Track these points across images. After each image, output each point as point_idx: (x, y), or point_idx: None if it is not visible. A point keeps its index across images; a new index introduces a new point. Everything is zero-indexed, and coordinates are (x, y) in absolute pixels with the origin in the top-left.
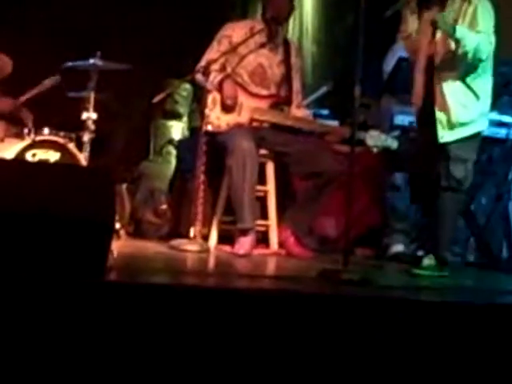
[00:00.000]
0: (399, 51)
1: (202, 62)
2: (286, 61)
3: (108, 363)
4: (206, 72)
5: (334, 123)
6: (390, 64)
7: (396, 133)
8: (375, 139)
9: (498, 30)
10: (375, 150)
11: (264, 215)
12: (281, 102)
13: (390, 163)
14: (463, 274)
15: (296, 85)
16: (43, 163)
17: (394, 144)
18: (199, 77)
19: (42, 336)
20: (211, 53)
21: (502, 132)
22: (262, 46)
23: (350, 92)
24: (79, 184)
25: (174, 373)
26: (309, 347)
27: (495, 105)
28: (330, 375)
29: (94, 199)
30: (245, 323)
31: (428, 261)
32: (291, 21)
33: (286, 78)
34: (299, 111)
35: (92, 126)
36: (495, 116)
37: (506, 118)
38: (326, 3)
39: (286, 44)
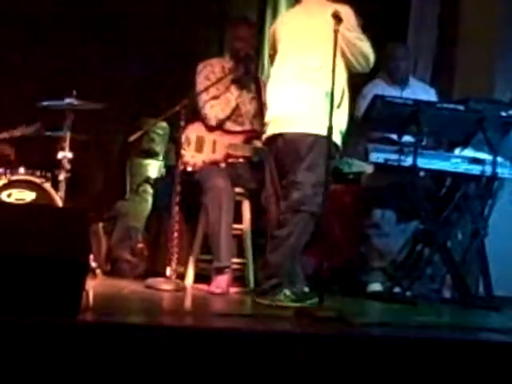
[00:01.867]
0: (369, 95)
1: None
2: (258, 97)
3: None
4: None
5: None
6: (361, 109)
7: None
8: (350, 166)
9: None
10: (351, 176)
11: (240, 254)
12: (254, 137)
13: (368, 200)
14: (439, 311)
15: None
16: (17, 204)
17: (369, 169)
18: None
19: (13, 378)
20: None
21: (476, 168)
22: (235, 82)
23: None
24: (54, 224)
25: None
26: None
27: (469, 142)
28: None
29: (68, 238)
30: (221, 363)
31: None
32: (266, 58)
33: (259, 114)
34: None
35: (68, 165)
36: (470, 153)
37: (480, 155)
38: None
39: (256, 81)
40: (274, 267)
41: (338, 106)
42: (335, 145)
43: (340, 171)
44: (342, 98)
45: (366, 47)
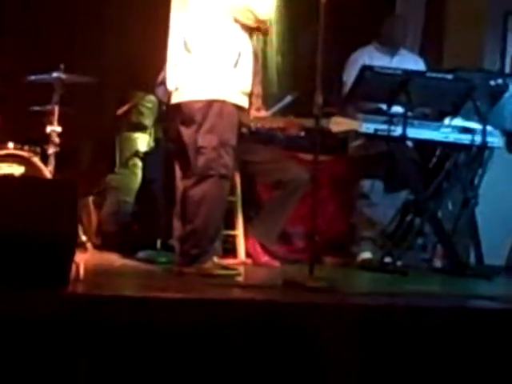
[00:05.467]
0: (360, 59)
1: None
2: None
3: (72, 377)
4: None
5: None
6: (351, 74)
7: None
8: (339, 125)
9: None
10: (341, 135)
11: (231, 225)
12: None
13: (357, 171)
14: (431, 280)
15: (256, 89)
16: (5, 176)
17: (358, 126)
18: (159, 90)
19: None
20: None
21: (466, 138)
22: None
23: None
24: (41, 196)
25: None
26: (274, 356)
27: (459, 111)
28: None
29: (56, 211)
30: (212, 333)
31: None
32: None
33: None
34: (259, 113)
35: (56, 140)
36: (460, 122)
37: (470, 124)
38: (289, 14)
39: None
40: (195, 236)
41: (235, 66)
42: (239, 106)
43: (329, 131)
44: (238, 57)
45: None
